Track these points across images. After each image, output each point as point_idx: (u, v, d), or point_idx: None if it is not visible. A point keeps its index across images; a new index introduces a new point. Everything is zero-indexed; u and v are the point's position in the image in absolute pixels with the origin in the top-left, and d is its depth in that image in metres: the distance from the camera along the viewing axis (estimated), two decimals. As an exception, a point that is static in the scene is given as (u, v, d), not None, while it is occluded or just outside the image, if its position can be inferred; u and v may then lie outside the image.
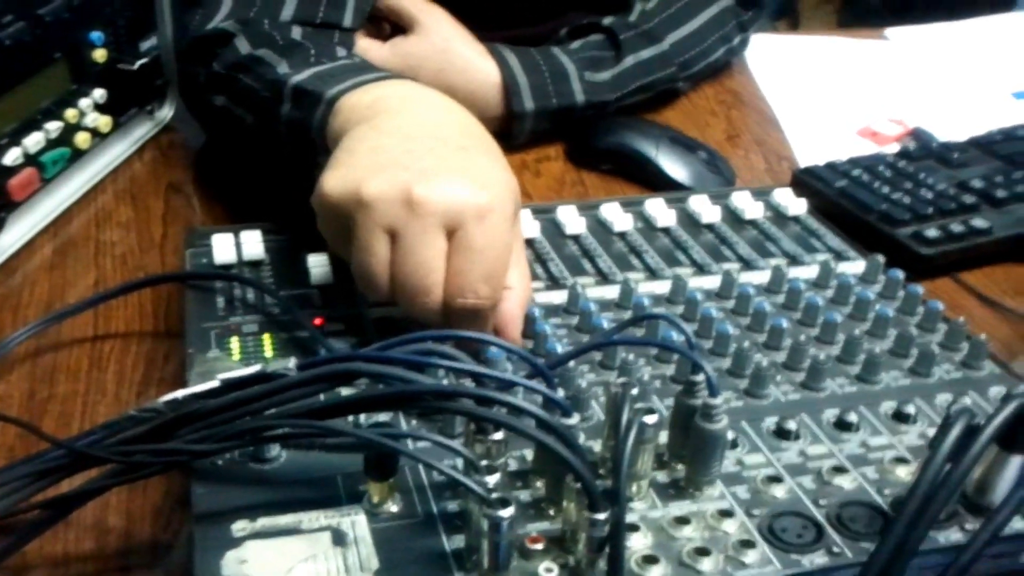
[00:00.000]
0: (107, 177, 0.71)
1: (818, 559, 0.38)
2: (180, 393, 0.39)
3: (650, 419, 0.38)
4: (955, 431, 0.35)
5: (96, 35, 0.66)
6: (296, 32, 0.68)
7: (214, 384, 0.39)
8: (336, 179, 0.46)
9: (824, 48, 1.01)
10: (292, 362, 0.39)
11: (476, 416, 0.35)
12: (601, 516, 0.34)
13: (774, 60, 0.97)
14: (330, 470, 0.41)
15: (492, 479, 0.34)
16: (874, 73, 0.96)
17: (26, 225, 0.63)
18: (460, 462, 0.38)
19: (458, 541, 0.37)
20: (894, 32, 1.05)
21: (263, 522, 0.38)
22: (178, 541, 0.45)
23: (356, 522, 0.38)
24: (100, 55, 0.67)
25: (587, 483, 0.34)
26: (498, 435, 0.37)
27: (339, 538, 0.37)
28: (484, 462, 0.35)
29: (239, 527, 0.38)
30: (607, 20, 0.81)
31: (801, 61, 0.98)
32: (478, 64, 0.75)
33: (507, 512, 0.33)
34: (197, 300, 0.53)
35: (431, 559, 0.37)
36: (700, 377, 0.40)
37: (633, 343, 0.48)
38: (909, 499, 0.35)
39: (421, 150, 0.47)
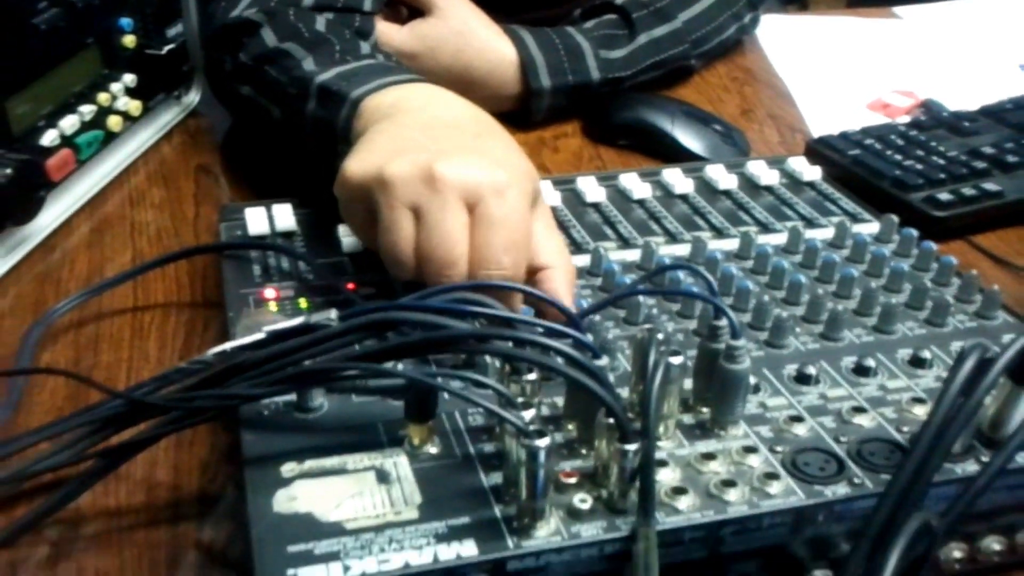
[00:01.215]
0: (139, 159, 0.73)
1: (840, 490, 0.39)
2: (228, 345, 0.41)
3: (675, 360, 0.39)
4: (968, 364, 0.37)
5: (126, 21, 0.68)
6: (320, 22, 0.70)
7: (260, 336, 0.41)
8: (358, 163, 0.49)
9: (835, 26, 1.03)
10: (333, 313, 0.41)
11: (511, 356, 0.37)
12: (632, 447, 0.36)
13: (786, 39, 0.98)
14: (371, 418, 0.42)
15: (528, 414, 0.36)
16: (885, 48, 0.97)
17: (63, 205, 0.65)
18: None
19: (496, 478, 0.39)
20: (905, 11, 1.07)
21: (310, 464, 0.40)
22: (225, 492, 0.47)
23: (398, 463, 0.40)
24: (130, 41, 0.69)
25: (617, 414, 0.36)
26: (531, 376, 0.39)
27: (383, 476, 0.39)
28: (520, 399, 0.37)
29: (287, 468, 0.39)
30: (620, 0, 0.83)
31: (813, 39, 0.99)
32: (495, 44, 0.77)
33: (543, 442, 0.35)
34: (234, 269, 0.55)
35: (471, 494, 0.38)
36: (723, 322, 0.42)
37: (658, 293, 0.50)
38: (924, 429, 0.37)
39: (439, 136, 0.49)
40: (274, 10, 0.69)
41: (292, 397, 0.43)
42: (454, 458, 0.40)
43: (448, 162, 0.45)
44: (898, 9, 1.06)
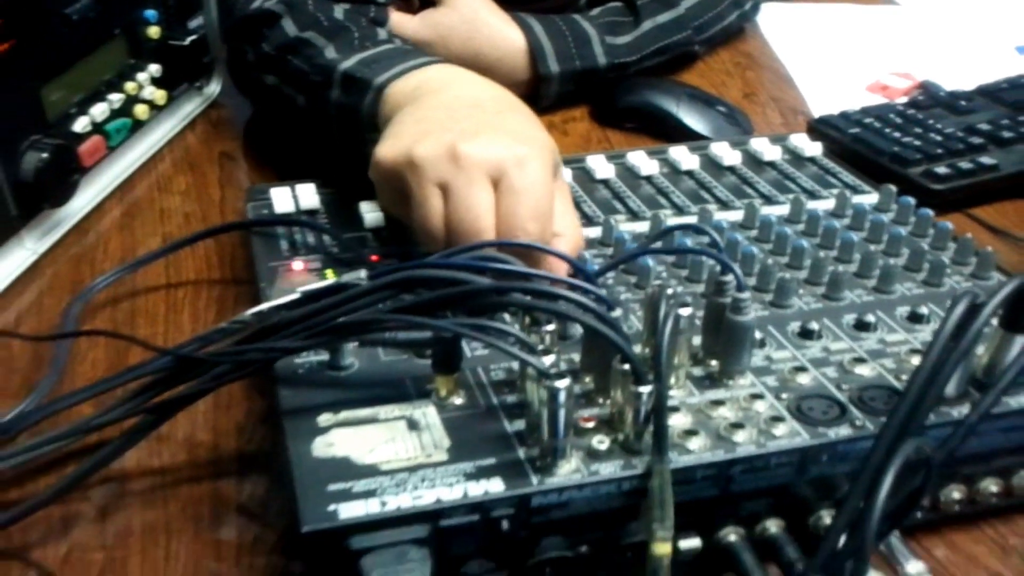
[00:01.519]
0: (164, 147, 0.76)
1: (842, 431, 0.42)
2: (265, 305, 0.44)
3: (684, 311, 0.42)
4: (959, 309, 0.39)
5: (150, 13, 0.71)
6: (337, 11, 0.73)
7: (295, 296, 0.44)
8: (388, 148, 0.52)
9: (835, 13, 1.05)
10: (363, 273, 0.44)
11: (530, 307, 0.40)
12: (646, 389, 0.39)
13: (787, 25, 1.01)
14: (399, 374, 0.45)
15: (548, 359, 0.39)
16: (883, 33, 1.00)
17: (95, 190, 0.68)
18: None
19: (519, 425, 0.42)
20: (903, -4, 1.09)
21: (344, 415, 0.42)
22: (261, 451, 0.49)
23: (427, 412, 0.43)
24: (154, 32, 0.72)
25: (631, 358, 0.38)
26: (550, 327, 0.41)
27: (413, 424, 0.42)
28: (540, 347, 0.40)
29: (323, 419, 0.42)
30: (624, -12, 0.85)
31: (813, 25, 1.02)
32: (504, 31, 0.79)
33: (563, 382, 0.37)
34: (263, 244, 0.58)
35: (496, 438, 0.41)
36: (728, 277, 0.44)
37: (666, 251, 0.53)
38: (918, 370, 0.39)
39: (461, 116, 0.52)
40: (293, 1, 0.72)
41: (324, 356, 0.46)
42: (479, 408, 0.43)
43: (471, 141, 0.48)
44: (896, -4, 1.09)
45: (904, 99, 0.85)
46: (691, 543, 0.42)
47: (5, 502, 0.46)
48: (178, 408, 0.43)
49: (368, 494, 0.38)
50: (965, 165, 0.71)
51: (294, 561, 0.44)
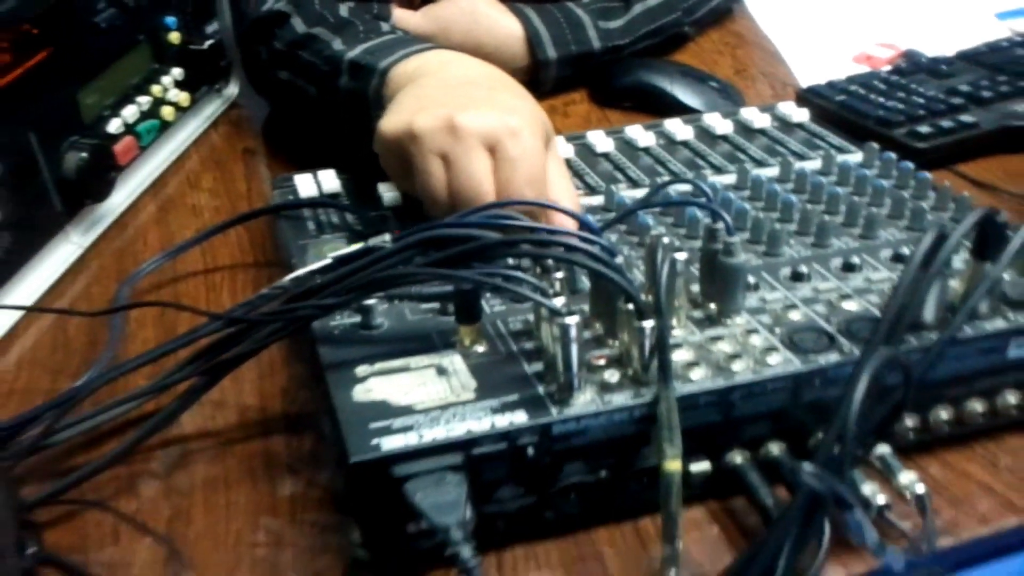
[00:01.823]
0: (191, 146, 0.81)
1: (832, 357, 0.46)
2: (301, 271, 0.48)
3: (680, 256, 0.46)
4: (927, 239, 0.44)
5: (170, 19, 0.76)
6: (342, 9, 0.78)
7: (327, 261, 0.48)
8: (390, 121, 0.56)
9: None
10: (387, 236, 0.48)
11: (540, 255, 0.44)
12: (648, 323, 0.43)
13: (774, 4, 1.05)
14: (425, 331, 0.49)
15: (558, 300, 0.43)
16: (868, 7, 1.04)
17: (130, 187, 0.73)
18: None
19: (537, 367, 0.46)
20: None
21: (379, 365, 0.47)
22: (305, 411, 0.54)
23: (453, 360, 0.47)
24: (175, 37, 0.77)
25: (634, 296, 0.43)
26: (559, 274, 0.46)
27: (441, 371, 0.46)
28: (551, 291, 0.44)
29: (361, 370, 0.47)
30: (615, -24, 0.90)
31: (800, 3, 1.06)
32: (502, 21, 0.84)
33: (573, 319, 0.42)
34: (291, 226, 0.62)
35: (517, 379, 0.45)
36: (719, 224, 0.48)
37: (662, 204, 0.57)
38: (893, 294, 0.43)
39: (457, 92, 0.57)
40: (300, 1, 0.77)
41: (357, 319, 0.50)
42: (500, 354, 0.47)
43: (466, 113, 0.53)
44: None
45: (888, 68, 0.89)
46: (701, 466, 0.46)
47: (76, 465, 0.50)
48: (231, 368, 0.48)
49: (406, 429, 0.42)
50: (946, 124, 0.75)
51: (339, 499, 0.48)
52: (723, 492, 0.47)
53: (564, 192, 0.55)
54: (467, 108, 0.53)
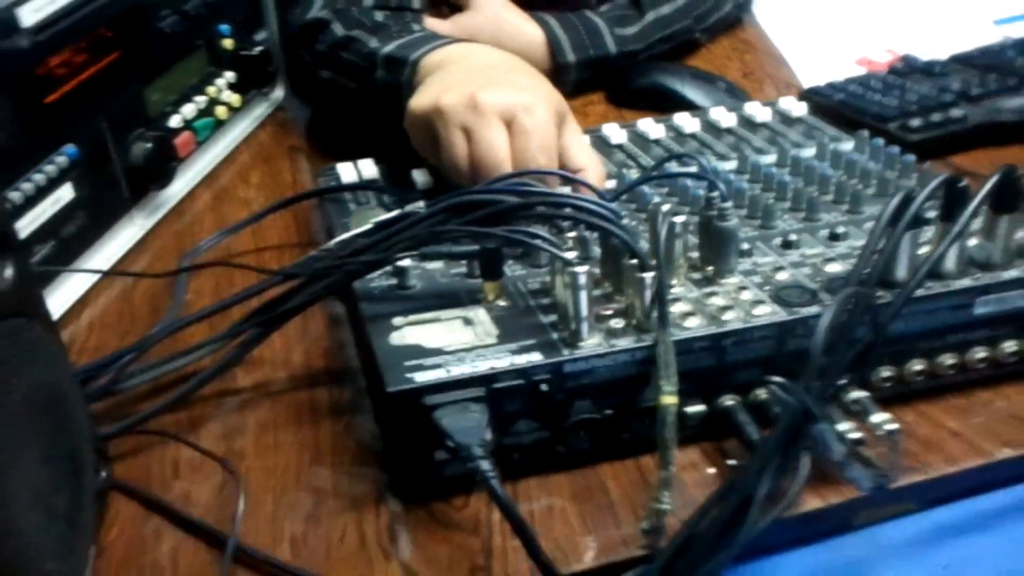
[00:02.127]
0: (242, 143, 0.88)
1: (813, 309, 0.52)
2: (346, 235, 0.55)
3: (678, 219, 0.52)
4: (895, 201, 0.49)
5: (225, 27, 0.84)
6: (378, 15, 0.85)
7: (369, 226, 0.55)
8: (419, 100, 0.64)
9: (826, 1, 1.15)
10: (421, 203, 0.55)
11: (554, 216, 0.51)
12: (649, 274, 0.49)
13: (782, 14, 1.11)
14: (454, 290, 0.56)
15: (570, 253, 0.50)
16: (870, 15, 1.09)
17: (188, 178, 0.81)
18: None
19: (552, 318, 0.52)
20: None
21: (412, 317, 0.53)
22: (346, 367, 0.60)
23: (478, 312, 0.53)
24: (228, 44, 0.84)
25: (635, 250, 0.49)
26: (571, 233, 0.52)
27: (467, 321, 0.53)
28: (564, 247, 0.50)
29: (397, 320, 0.53)
30: (630, -14, 0.97)
31: (806, 12, 1.12)
32: (525, 28, 0.91)
33: (582, 268, 0.48)
34: (335, 208, 0.69)
35: (534, 327, 0.52)
36: (715, 193, 0.54)
37: (663, 176, 0.64)
38: (862, 254, 0.49)
39: (478, 74, 0.64)
40: (340, 9, 0.85)
41: (392, 280, 0.57)
42: (519, 308, 0.54)
43: (486, 91, 0.60)
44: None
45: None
46: (696, 408, 0.52)
47: (141, 408, 0.57)
48: (286, 319, 0.55)
49: (436, 366, 0.49)
50: (936, 118, 0.80)
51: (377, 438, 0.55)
52: (717, 434, 0.53)
53: (592, 161, 0.62)
54: (487, 87, 0.60)
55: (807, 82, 0.95)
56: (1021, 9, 1.07)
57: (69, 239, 0.66)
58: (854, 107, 0.83)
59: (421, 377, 0.48)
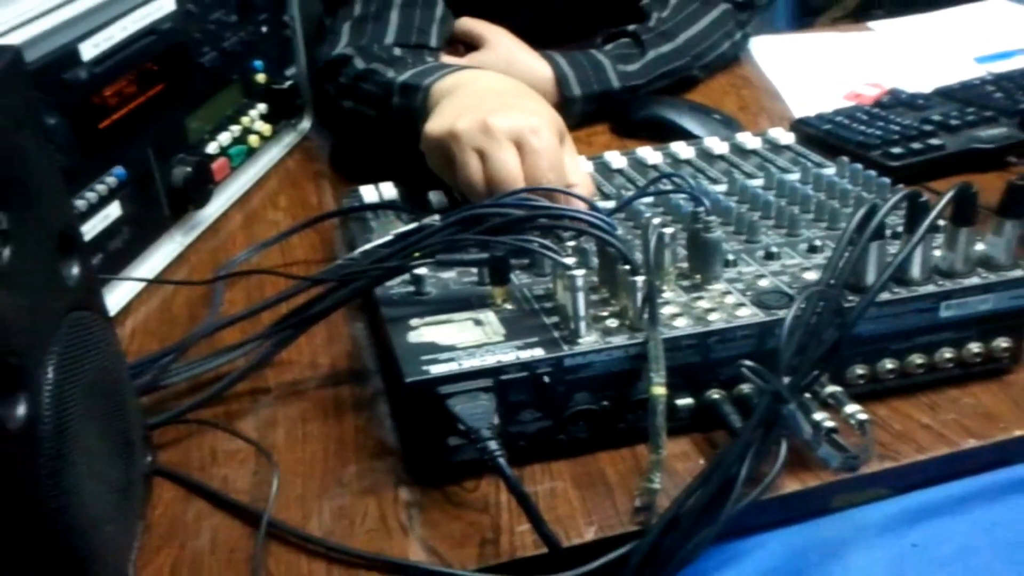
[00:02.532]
0: (271, 170, 0.95)
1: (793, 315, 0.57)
2: (369, 245, 0.61)
3: (667, 230, 0.58)
4: (860, 212, 0.55)
5: (258, 63, 0.91)
6: (397, 51, 0.93)
7: (389, 237, 0.61)
8: (434, 124, 0.70)
9: (819, 41, 1.22)
10: (437, 217, 0.61)
11: (554, 227, 0.57)
12: (639, 278, 0.55)
13: (777, 53, 1.18)
14: (465, 296, 0.62)
15: (570, 259, 0.55)
16: (859, 54, 1.16)
17: (222, 200, 0.87)
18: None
19: (554, 319, 0.58)
20: (877, 24, 1.26)
21: (428, 319, 0.59)
22: (368, 369, 0.66)
23: (487, 315, 0.59)
24: (261, 78, 0.92)
25: (627, 256, 0.55)
26: (571, 243, 0.58)
27: (477, 322, 0.58)
28: (564, 255, 0.56)
29: (414, 321, 0.59)
30: (632, 27, 1.04)
31: (800, 51, 1.18)
32: (535, 65, 0.98)
33: (580, 272, 0.54)
34: (358, 225, 0.75)
35: (537, 327, 0.57)
36: (700, 208, 0.60)
37: (654, 193, 0.70)
38: (830, 260, 0.55)
39: (488, 99, 0.71)
40: (362, 46, 0.92)
41: (410, 288, 0.63)
42: (524, 311, 0.59)
43: (497, 115, 0.66)
44: (872, 24, 1.26)
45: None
46: (685, 401, 0.57)
47: (179, 404, 0.63)
48: (316, 320, 0.61)
49: (449, 360, 0.55)
50: (916, 146, 0.86)
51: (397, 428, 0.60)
52: (706, 427, 0.59)
53: (582, 178, 0.69)
54: (497, 112, 0.67)
55: (799, 115, 1.01)
56: (1000, 47, 1.13)
57: (116, 252, 0.72)
58: (839, 136, 0.89)
59: (436, 369, 0.54)
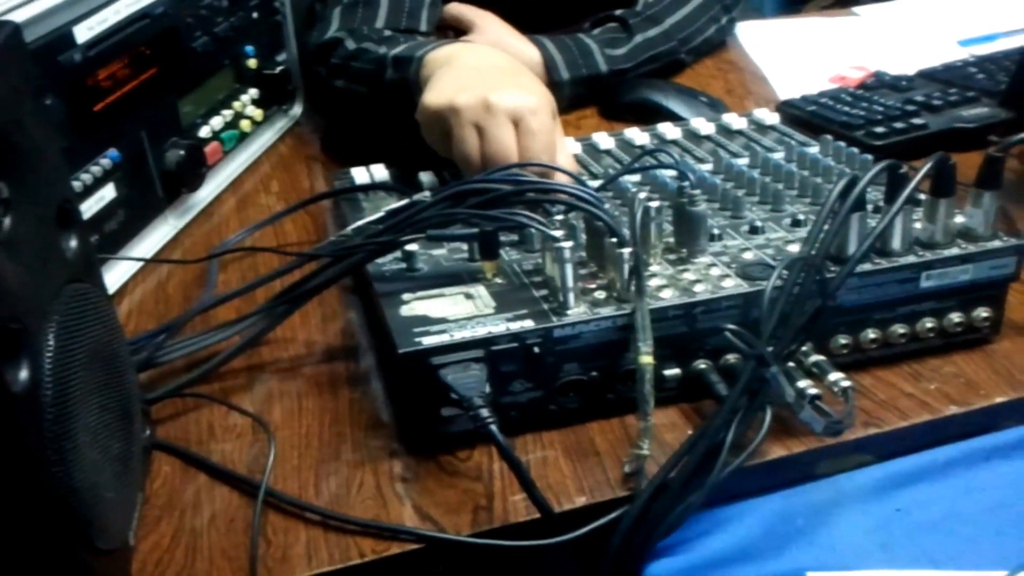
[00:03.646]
0: (263, 155, 0.96)
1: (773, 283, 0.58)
2: (361, 221, 0.62)
3: (653, 203, 0.60)
4: (841, 183, 0.56)
5: (250, 48, 0.92)
6: (387, 32, 0.94)
7: (381, 214, 0.62)
8: (433, 96, 0.71)
9: (805, 26, 1.24)
10: (427, 193, 0.62)
11: (543, 200, 0.58)
12: (626, 250, 0.56)
13: (764, 37, 1.19)
14: (456, 271, 0.63)
15: (558, 232, 0.57)
16: (845, 38, 1.18)
17: (215, 184, 0.88)
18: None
19: (543, 292, 0.59)
20: (863, 9, 1.27)
21: (420, 294, 0.60)
22: (362, 347, 0.67)
23: (478, 288, 0.60)
24: (253, 63, 0.93)
25: (613, 228, 0.56)
26: (559, 216, 0.59)
27: (468, 296, 0.60)
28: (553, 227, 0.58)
29: (406, 296, 0.60)
30: (619, 12, 1.05)
31: (786, 36, 1.20)
32: (523, 49, 0.99)
33: (567, 243, 0.55)
34: (350, 206, 0.76)
35: (527, 300, 0.58)
36: (686, 182, 0.62)
37: (640, 169, 0.71)
38: (811, 231, 0.56)
39: (487, 75, 0.72)
40: (353, 28, 0.93)
41: (403, 264, 0.64)
42: (514, 285, 0.61)
43: (498, 93, 0.67)
44: (858, 8, 1.27)
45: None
46: (672, 371, 0.59)
47: (175, 379, 0.64)
48: (311, 296, 0.62)
49: (441, 331, 0.56)
50: (899, 125, 0.88)
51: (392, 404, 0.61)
52: (693, 396, 0.60)
53: (563, 155, 0.71)
54: (497, 89, 0.68)
55: (785, 97, 1.03)
56: (982, 31, 1.14)
57: (111, 234, 0.73)
58: (824, 117, 0.91)
59: (428, 341, 0.55)
